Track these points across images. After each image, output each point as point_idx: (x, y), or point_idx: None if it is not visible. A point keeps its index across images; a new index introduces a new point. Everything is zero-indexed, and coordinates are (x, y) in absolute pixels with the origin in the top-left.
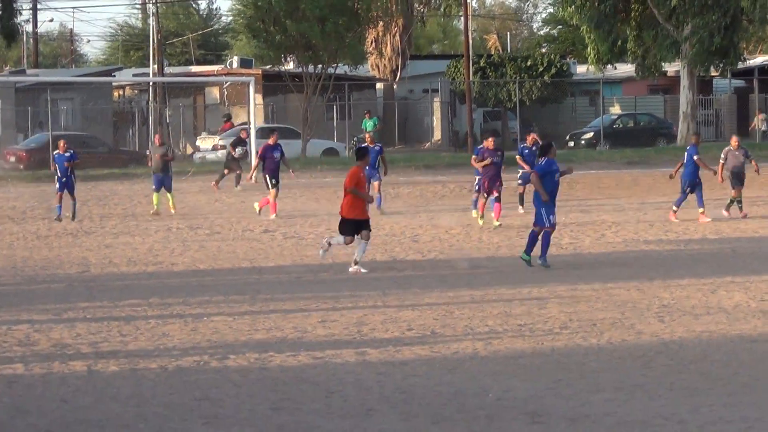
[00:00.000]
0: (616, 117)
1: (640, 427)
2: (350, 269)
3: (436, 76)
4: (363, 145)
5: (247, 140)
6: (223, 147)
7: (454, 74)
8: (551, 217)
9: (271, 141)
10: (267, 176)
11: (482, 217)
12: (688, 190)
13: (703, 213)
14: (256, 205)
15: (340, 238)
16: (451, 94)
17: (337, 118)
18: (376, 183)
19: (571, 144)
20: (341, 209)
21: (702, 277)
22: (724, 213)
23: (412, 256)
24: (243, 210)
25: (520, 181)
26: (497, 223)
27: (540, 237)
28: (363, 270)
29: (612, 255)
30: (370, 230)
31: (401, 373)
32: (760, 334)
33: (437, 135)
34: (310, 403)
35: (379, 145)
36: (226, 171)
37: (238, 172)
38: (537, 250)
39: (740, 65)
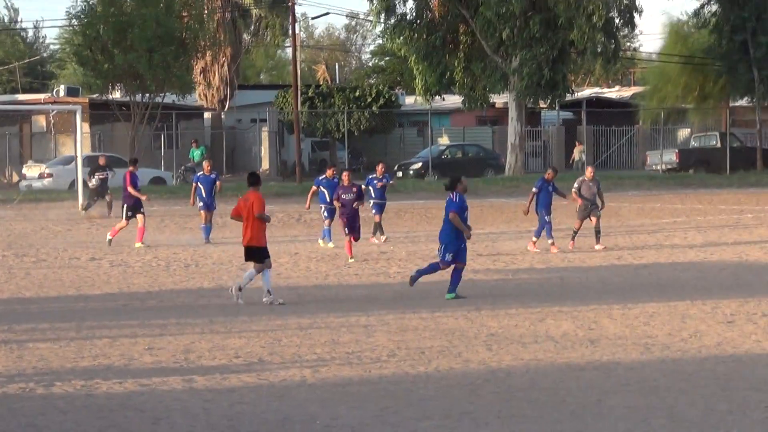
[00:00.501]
0: (444, 148)
1: None
2: (264, 299)
3: (265, 105)
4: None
5: (107, 168)
6: (50, 175)
7: (282, 104)
8: (447, 255)
9: (132, 168)
10: (125, 206)
11: (352, 257)
12: (548, 218)
13: (534, 243)
14: (108, 236)
15: (251, 270)
16: (279, 124)
17: (164, 147)
18: (212, 212)
19: (400, 174)
20: (251, 238)
21: (530, 306)
22: (596, 246)
23: None
24: (69, 238)
25: (374, 211)
26: (351, 260)
27: (429, 264)
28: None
29: (440, 284)
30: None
31: (228, 400)
32: (587, 362)
33: (265, 164)
34: (136, 431)
35: (215, 173)
36: (94, 200)
37: (95, 198)
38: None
39: (568, 97)
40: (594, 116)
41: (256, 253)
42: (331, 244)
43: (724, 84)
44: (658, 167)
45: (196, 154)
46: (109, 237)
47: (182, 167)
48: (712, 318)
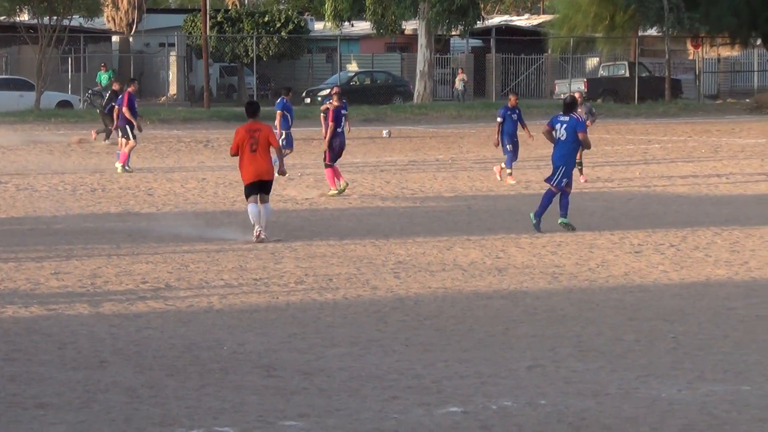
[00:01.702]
0: (352, 74)
1: (374, 381)
2: (264, 235)
3: (173, 30)
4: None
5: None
6: None
7: (191, 29)
8: (563, 180)
9: (132, 89)
10: (128, 126)
11: (342, 186)
12: (510, 146)
13: (501, 169)
14: (118, 165)
15: (267, 205)
16: (187, 49)
17: (72, 71)
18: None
19: (308, 101)
20: (266, 171)
21: (438, 234)
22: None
23: (146, 210)
24: None
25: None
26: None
27: (543, 195)
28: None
29: (348, 211)
30: None
31: (135, 325)
32: (495, 291)
33: (173, 89)
34: (42, 355)
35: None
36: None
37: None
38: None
39: (478, 25)
40: (503, 44)
41: (268, 186)
42: None
43: (634, 13)
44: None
45: (103, 77)
46: (118, 165)
47: (89, 91)
48: (620, 248)
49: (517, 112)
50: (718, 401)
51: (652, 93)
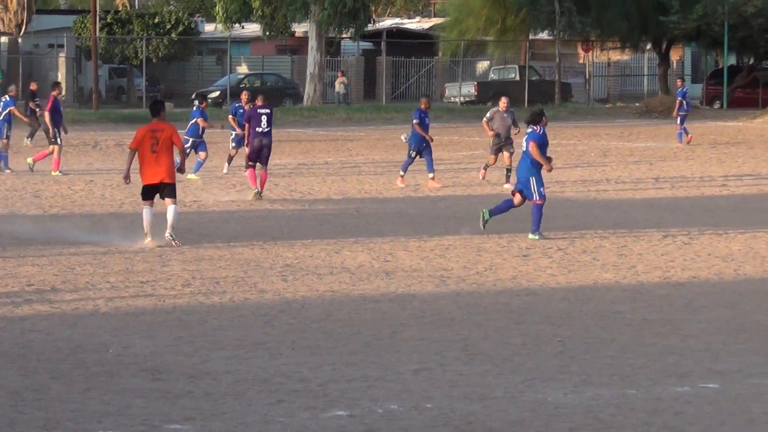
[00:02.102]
0: (243, 76)
1: (260, 384)
2: (168, 235)
3: (63, 31)
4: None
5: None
6: None
7: (80, 30)
8: (541, 189)
9: (56, 93)
10: (57, 130)
11: (259, 192)
12: (414, 153)
13: (432, 179)
14: (30, 160)
15: (172, 206)
16: (77, 50)
17: None
18: (4, 141)
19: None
20: (167, 173)
21: (326, 237)
22: (506, 186)
23: (33, 212)
24: None
25: (233, 144)
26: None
27: (532, 211)
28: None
29: (236, 214)
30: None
31: (20, 328)
32: (382, 294)
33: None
34: None
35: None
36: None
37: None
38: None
39: (369, 27)
40: (394, 47)
41: (169, 188)
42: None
43: (525, 17)
44: (457, 99)
45: None
46: (54, 173)
47: None
48: (508, 252)
49: (428, 115)
50: (604, 405)
51: (542, 97)
